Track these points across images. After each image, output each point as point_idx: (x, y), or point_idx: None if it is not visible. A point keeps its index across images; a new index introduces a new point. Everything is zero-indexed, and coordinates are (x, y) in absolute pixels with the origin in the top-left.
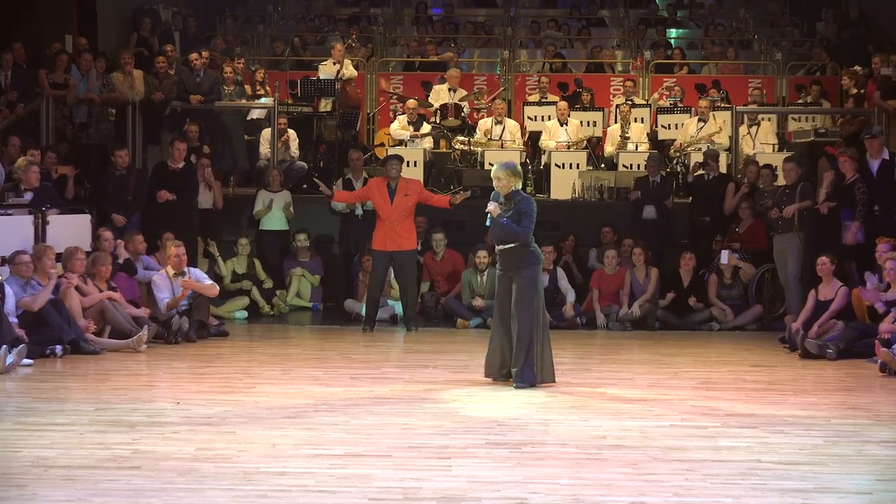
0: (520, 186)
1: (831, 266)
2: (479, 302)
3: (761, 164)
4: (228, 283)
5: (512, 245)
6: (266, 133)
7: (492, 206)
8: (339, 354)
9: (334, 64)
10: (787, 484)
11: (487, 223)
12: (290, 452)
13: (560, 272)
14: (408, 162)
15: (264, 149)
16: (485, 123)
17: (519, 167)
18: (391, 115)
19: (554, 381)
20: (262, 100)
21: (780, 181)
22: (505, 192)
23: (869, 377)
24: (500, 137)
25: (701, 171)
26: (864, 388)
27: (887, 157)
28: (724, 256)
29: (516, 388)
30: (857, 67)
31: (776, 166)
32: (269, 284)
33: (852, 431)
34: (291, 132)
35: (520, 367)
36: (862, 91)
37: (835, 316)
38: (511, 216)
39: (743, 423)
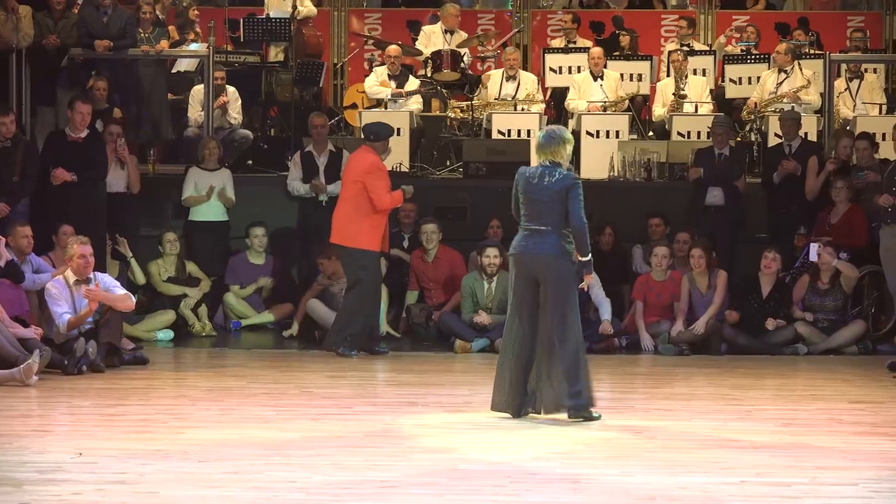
0: (543, 160)
1: None
2: (483, 318)
3: (859, 132)
4: (163, 288)
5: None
6: (198, 91)
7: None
8: (296, 387)
9: None
10: None
11: None
12: None
13: (593, 277)
14: (381, 122)
15: (195, 112)
16: (493, 77)
17: (566, 135)
18: (366, 66)
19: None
20: (193, 46)
21: (886, 154)
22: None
23: None
24: (514, 97)
25: (779, 141)
26: None
27: None
28: (813, 251)
29: (570, 417)
30: None
31: (881, 134)
32: (205, 288)
33: None
34: (231, 90)
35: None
36: None
37: None
38: None
39: (839, 478)
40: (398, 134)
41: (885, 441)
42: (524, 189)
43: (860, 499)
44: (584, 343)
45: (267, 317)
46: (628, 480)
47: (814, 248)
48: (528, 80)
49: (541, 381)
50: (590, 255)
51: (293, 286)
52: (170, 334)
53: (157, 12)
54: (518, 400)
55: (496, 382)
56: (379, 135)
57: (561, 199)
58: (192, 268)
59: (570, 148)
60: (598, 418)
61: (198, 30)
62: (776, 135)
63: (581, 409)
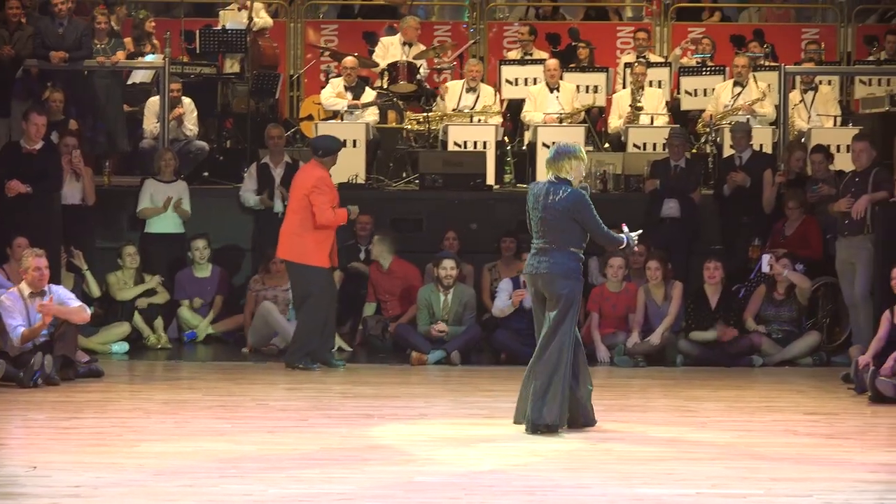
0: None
1: None
2: (441, 326)
3: (813, 143)
4: (123, 295)
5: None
6: (153, 103)
7: None
8: (251, 400)
9: (240, 9)
10: None
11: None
12: None
13: None
14: (345, 140)
15: (150, 124)
16: (452, 88)
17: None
18: (322, 77)
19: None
20: (148, 58)
21: (841, 166)
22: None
23: None
24: (473, 108)
25: (732, 152)
26: None
27: None
28: (765, 262)
29: (526, 432)
30: None
31: (836, 146)
32: (163, 299)
33: None
34: (187, 101)
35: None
36: None
37: None
38: None
39: (794, 490)
40: (354, 146)
41: (840, 452)
42: (532, 206)
43: None
44: (567, 364)
45: (216, 328)
46: (584, 492)
47: (765, 259)
48: (487, 92)
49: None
50: (623, 238)
51: (240, 296)
52: (125, 347)
53: (113, 23)
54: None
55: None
56: (328, 150)
57: (567, 217)
58: (153, 284)
59: (576, 163)
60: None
61: (154, 41)
62: (731, 146)
63: (538, 428)
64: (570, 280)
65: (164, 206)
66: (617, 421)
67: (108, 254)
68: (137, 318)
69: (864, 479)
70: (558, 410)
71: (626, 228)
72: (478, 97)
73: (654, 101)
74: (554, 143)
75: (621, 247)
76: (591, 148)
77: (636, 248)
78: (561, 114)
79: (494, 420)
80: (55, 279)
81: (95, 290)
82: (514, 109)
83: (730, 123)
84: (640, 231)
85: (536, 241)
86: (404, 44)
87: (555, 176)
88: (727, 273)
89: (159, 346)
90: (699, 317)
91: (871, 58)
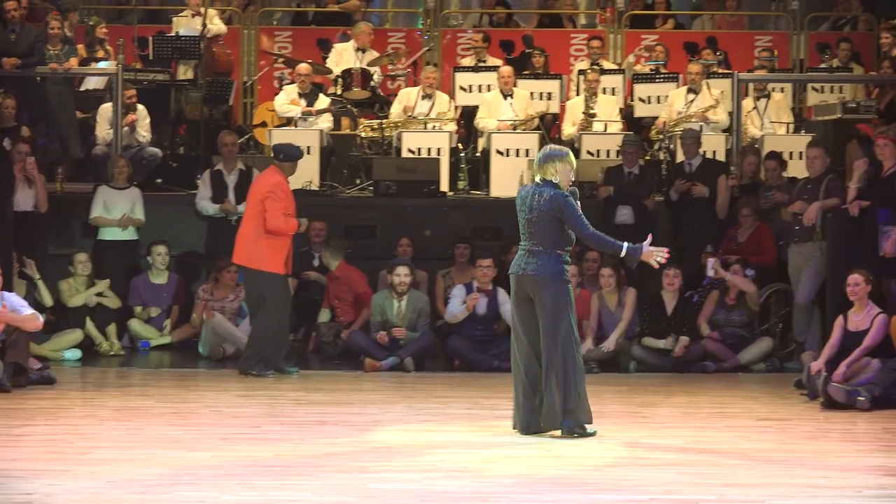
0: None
1: (866, 286)
2: (399, 333)
3: (766, 150)
4: (74, 301)
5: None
6: (106, 109)
7: None
8: (205, 407)
9: (193, 16)
10: None
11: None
12: None
13: (502, 295)
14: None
15: (103, 131)
16: (407, 95)
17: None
18: (276, 84)
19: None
20: (102, 64)
21: (794, 173)
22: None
23: None
24: (427, 115)
25: (682, 159)
26: None
27: None
28: (710, 266)
29: (563, 435)
30: None
31: (788, 153)
32: (115, 304)
33: None
34: (141, 108)
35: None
36: None
37: (869, 353)
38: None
39: (746, 496)
40: (308, 152)
41: (792, 458)
42: (519, 208)
43: None
44: (577, 361)
45: (167, 339)
46: (537, 498)
47: (710, 264)
48: (442, 99)
49: (543, 399)
50: (624, 245)
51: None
52: (77, 354)
53: (66, 30)
54: (525, 418)
55: (514, 402)
56: (290, 155)
57: (551, 219)
58: (102, 287)
59: (562, 166)
60: (592, 434)
61: (108, 47)
62: (683, 154)
63: (573, 427)
64: (556, 282)
65: (120, 224)
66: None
67: (61, 261)
68: (90, 325)
69: (817, 485)
70: (586, 406)
71: (647, 241)
72: (433, 104)
73: (608, 108)
74: (549, 146)
75: (620, 255)
76: None
77: (654, 263)
78: (515, 121)
79: (448, 426)
80: (7, 286)
81: (48, 300)
82: (467, 116)
83: (683, 130)
84: (666, 249)
85: (524, 243)
86: (358, 50)
87: (541, 178)
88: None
89: (112, 353)
90: (655, 323)
91: (823, 65)
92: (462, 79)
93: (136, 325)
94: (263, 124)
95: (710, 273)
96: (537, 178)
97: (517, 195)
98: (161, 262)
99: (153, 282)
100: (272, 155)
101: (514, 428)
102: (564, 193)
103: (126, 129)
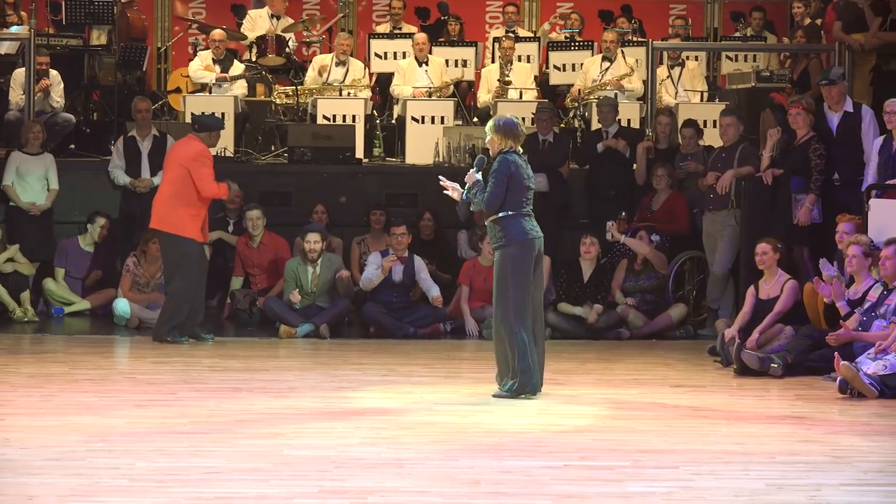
0: (514, 147)
1: (774, 254)
2: (296, 297)
3: (682, 118)
4: None
5: (492, 218)
6: (19, 74)
7: (468, 174)
8: (119, 374)
9: None
10: None
11: (464, 196)
12: None
13: (419, 262)
14: (213, 114)
15: (16, 96)
16: (321, 61)
17: (519, 126)
18: (190, 50)
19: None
20: (14, 28)
21: (709, 141)
22: (494, 155)
23: (825, 400)
24: (342, 82)
25: (598, 126)
26: (819, 414)
27: (850, 108)
28: (608, 229)
29: (493, 395)
30: None
31: (702, 121)
32: (29, 271)
33: (803, 472)
34: (54, 73)
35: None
36: (818, 21)
37: (781, 319)
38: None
39: (660, 461)
40: (222, 119)
41: (705, 424)
42: (525, 175)
43: (681, 481)
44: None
45: (85, 304)
46: (453, 465)
47: (608, 226)
48: (357, 66)
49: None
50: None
51: (116, 273)
52: None
53: None
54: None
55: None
56: (209, 127)
57: None
58: (12, 253)
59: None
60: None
61: (21, 12)
62: (598, 121)
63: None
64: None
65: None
66: (485, 394)
67: None
68: (2, 291)
69: (730, 451)
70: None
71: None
72: (347, 71)
73: (523, 75)
74: (510, 115)
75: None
76: (460, 122)
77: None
78: (430, 88)
79: (364, 393)
80: None
81: None
82: (383, 83)
83: (598, 98)
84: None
85: (529, 209)
86: (273, 17)
87: (519, 147)
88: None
89: (26, 320)
90: (571, 290)
91: (737, 34)
92: (377, 46)
93: (50, 283)
94: (178, 90)
95: (608, 237)
96: (517, 149)
97: (520, 165)
98: (98, 235)
99: (83, 248)
100: (193, 126)
101: (532, 393)
102: (507, 158)
103: (39, 94)
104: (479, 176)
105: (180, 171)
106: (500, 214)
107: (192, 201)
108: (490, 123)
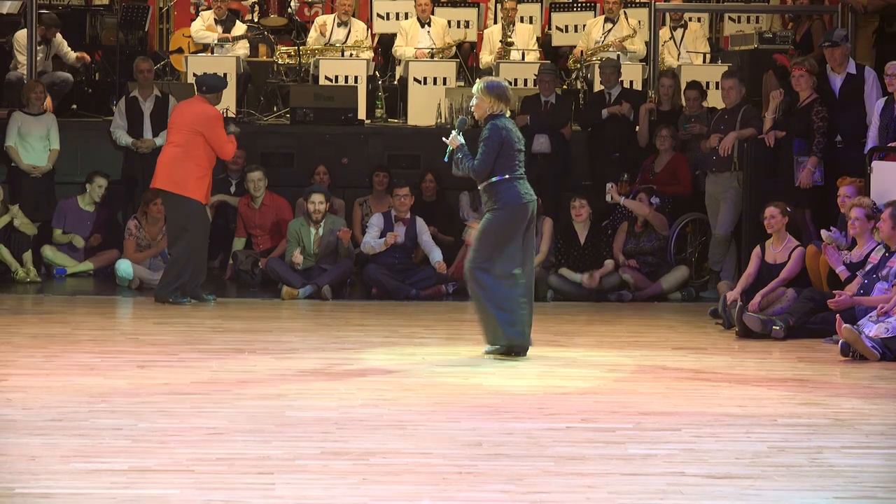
0: (504, 111)
1: (783, 218)
2: (298, 258)
3: (684, 80)
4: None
5: (484, 183)
6: (22, 35)
7: (451, 137)
8: (122, 335)
9: None
10: None
11: (445, 159)
12: (57, 467)
13: (421, 224)
14: (215, 73)
15: (21, 56)
16: (323, 22)
17: (507, 90)
18: (192, 10)
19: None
20: None
21: (711, 103)
22: (480, 118)
23: (827, 363)
24: (344, 43)
25: (601, 88)
26: (821, 377)
27: (853, 70)
28: (608, 190)
29: (485, 353)
30: None
31: (705, 83)
32: (31, 231)
33: (805, 435)
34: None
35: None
36: None
37: (785, 283)
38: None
39: (662, 424)
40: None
41: (707, 387)
42: (515, 138)
43: (682, 444)
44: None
45: (87, 265)
46: (455, 426)
47: (608, 188)
48: (359, 27)
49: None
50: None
51: (119, 233)
52: None
53: None
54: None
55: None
56: (217, 87)
57: None
58: (15, 211)
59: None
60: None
61: None
62: (601, 83)
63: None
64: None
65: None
66: (487, 356)
67: None
68: (4, 251)
69: (732, 413)
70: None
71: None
72: (349, 32)
73: (525, 36)
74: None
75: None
76: (462, 83)
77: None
78: (432, 49)
79: (366, 355)
80: None
81: None
82: (385, 44)
83: (600, 60)
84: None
85: (521, 172)
86: None
87: (508, 111)
88: (598, 209)
89: (28, 280)
90: (569, 253)
91: None
92: (379, 6)
93: (48, 251)
94: (180, 51)
95: (608, 198)
96: (507, 113)
97: (512, 131)
98: (97, 195)
99: (82, 208)
100: (196, 87)
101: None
102: (497, 123)
103: (41, 55)
104: (462, 139)
105: (190, 134)
106: (494, 179)
107: (201, 163)
108: (480, 85)
